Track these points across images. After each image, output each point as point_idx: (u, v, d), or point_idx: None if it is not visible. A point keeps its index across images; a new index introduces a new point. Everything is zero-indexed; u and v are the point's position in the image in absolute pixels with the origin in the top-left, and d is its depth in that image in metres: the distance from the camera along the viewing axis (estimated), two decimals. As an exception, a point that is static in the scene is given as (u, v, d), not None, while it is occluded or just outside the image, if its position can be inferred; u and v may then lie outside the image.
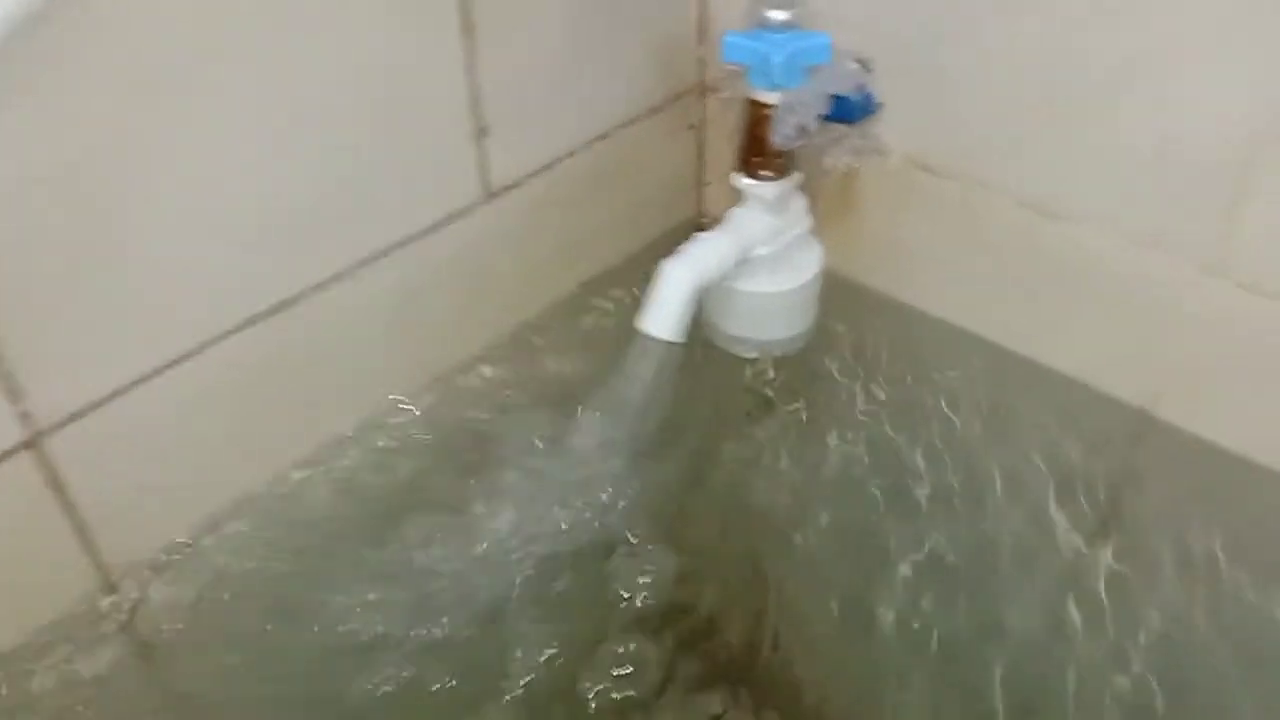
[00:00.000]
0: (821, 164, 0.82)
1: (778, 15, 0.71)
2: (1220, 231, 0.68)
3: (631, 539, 0.74)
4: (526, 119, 0.76)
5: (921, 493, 0.92)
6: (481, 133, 0.74)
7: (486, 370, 0.81)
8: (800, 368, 0.89)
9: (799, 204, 0.82)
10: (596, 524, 0.74)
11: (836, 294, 0.90)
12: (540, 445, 0.77)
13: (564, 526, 0.73)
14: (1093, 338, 0.77)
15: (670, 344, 0.76)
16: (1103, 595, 0.83)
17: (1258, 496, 0.74)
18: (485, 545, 0.72)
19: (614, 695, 0.67)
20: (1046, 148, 0.73)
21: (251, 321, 0.66)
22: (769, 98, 0.74)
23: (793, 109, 0.73)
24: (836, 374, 0.91)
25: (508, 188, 0.78)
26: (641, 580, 0.71)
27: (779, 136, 0.73)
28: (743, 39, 0.72)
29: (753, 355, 0.86)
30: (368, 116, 0.66)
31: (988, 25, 0.71)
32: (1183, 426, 0.76)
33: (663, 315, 0.75)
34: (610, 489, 0.76)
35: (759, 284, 0.81)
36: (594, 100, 0.81)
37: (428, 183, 0.72)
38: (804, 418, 0.86)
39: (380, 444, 0.76)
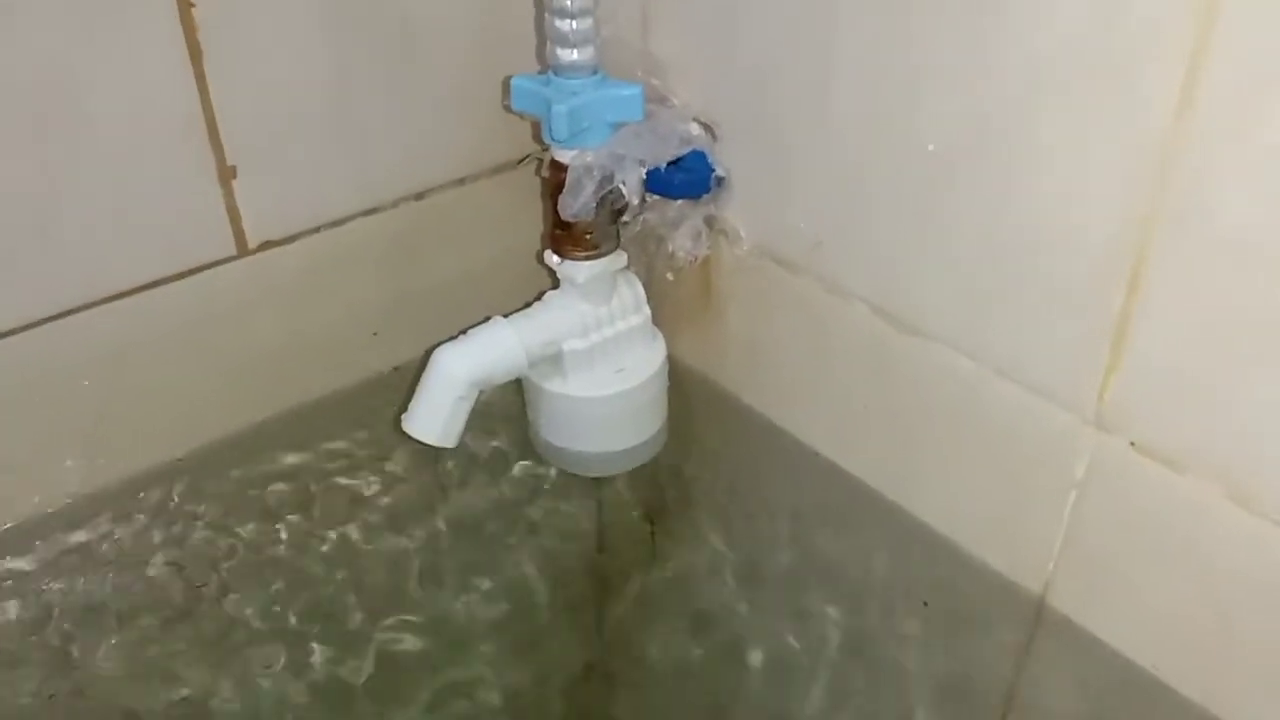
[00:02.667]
0: (667, 246, 0.67)
1: (566, 55, 0.58)
2: (1104, 371, 0.50)
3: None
4: (293, 165, 0.64)
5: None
6: (229, 174, 0.62)
7: (218, 472, 0.68)
8: (624, 493, 0.74)
9: (629, 291, 0.67)
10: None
11: (697, 402, 0.74)
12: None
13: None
14: (967, 494, 0.60)
15: (437, 449, 0.62)
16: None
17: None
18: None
19: None
20: (895, 246, 0.57)
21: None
22: (563, 157, 0.60)
23: (589, 173, 0.59)
24: (671, 507, 0.75)
25: (273, 243, 0.66)
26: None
27: (566, 207, 0.59)
28: (530, 83, 0.59)
29: (574, 470, 0.71)
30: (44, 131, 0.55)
31: (832, 90, 0.56)
32: (1080, 623, 0.57)
33: (425, 414, 0.61)
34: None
35: (570, 385, 0.66)
36: (403, 152, 0.69)
37: (155, 227, 0.61)
38: (610, 559, 0.71)
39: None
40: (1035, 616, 0.59)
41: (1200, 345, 0.46)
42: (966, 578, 0.61)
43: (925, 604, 0.64)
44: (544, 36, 0.58)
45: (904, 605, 0.67)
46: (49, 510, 0.63)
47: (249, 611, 0.72)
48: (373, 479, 0.76)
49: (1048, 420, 0.53)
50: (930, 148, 0.53)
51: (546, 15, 0.57)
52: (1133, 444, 0.51)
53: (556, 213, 0.62)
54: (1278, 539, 0.47)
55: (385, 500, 0.78)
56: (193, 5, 0.57)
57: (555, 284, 0.67)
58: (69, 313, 0.60)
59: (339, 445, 0.74)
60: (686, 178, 0.62)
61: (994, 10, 0.47)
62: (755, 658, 0.78)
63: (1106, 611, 0.56)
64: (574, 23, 0.56)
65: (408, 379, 0.71)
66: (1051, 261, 0.50)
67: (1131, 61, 0.44)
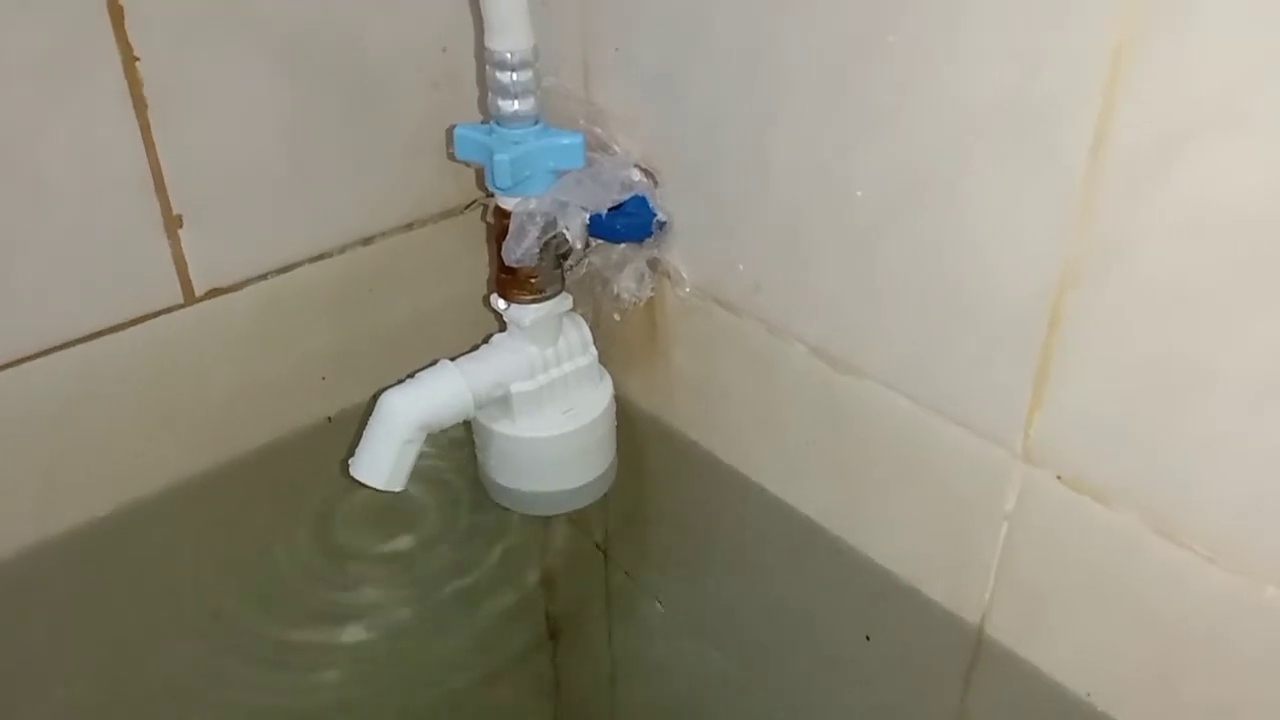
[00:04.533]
0: (612, 289, 0.69)
1: (508, 106, 0.59)
2: (1030, 408, 0.52)
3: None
4: (241, 213, 0.65)
5: None
6: (175, 223, 0.62)
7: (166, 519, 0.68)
8: (574, 531, 0.75)
9: (575, 333, 0.68)
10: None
11: (645, 440, 0.76)
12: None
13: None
14: (907, 527, 0.61)
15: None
16: None
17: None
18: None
19: None
20: (832, 288, 0.59)
21: None
22: (506, 204, 0.61)
23: (532, 219, 0.60)
24: (621, 545, 0.76)
25: (220, 290, 0.66)
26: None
27: (510, 253, 0.60)
28: (474, 132, 0.61)
29: (523, 510, 0.72)
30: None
31: (768, 138, 0.58)
32: (1017, 651, 0.59)
33: (372, 459, 0.62)
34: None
35: (519, 426, 0.67)
36: (350, 199, 0.70)
37: (101, 276, 0.61)
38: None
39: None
40: (975, 647, 0.60)
41: (1121, 381, 0.48)
42: (908, 610, 0.63)
43: (868, 638, 0.65)
44: (486, 87, 0.60)
45: (848, 638, 0.68)
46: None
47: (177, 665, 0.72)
48: (322, 526, 0.77)
49: (980, 455, 0.55)
50: (859, 194, 0.54)
51: (488, 67, 0.58)
52: (1059, 477, 0.52)
53: (501, 258, 0.63)
54: (1200, 569, 0.48)
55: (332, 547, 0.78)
56: (137, 59, 0.58)
57: (502, 327, 0.68)
58: (14, 363, 0.60)
59: (286, 490, 0.74)
60: (629, 222, 0.64)
61: (922, 65, 0.49)
62: (701, 691, 0.79)
63: (1043, 641, 0.57)
64: (514, 75, 0.58)
65: (354, 423, 0.71)
66: (979, 303, 0.52)
67: (1049, 113, 0.46)
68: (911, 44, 0.49)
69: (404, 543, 0.81)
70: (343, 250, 0.71)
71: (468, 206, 0.74)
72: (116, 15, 0.56)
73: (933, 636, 0.62)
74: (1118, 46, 0.43)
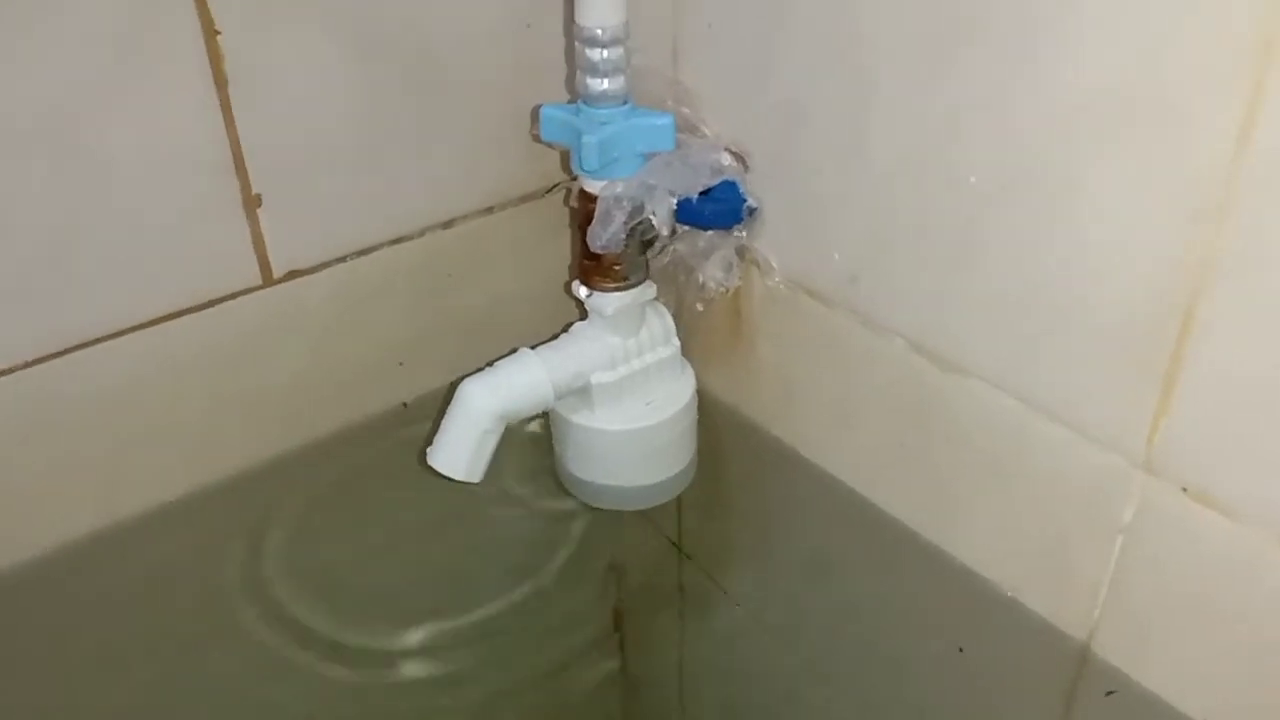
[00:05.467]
0: (697, 277, 0.66)
1: (597, 85, 0.56)
2: (1152, 413, 0.48)
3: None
4: (320, 193, 0.63)
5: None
6: (254, 202, 0.61)
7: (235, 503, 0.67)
8: (651, 528, 0.73)
9: (658, 323, 0.66)
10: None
11: (726, 435, 0.73)
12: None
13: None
14: (1008, 535, 0.58)
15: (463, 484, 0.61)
16: None
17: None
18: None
19: None
20: (935, 281, 0.55)
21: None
22: (592, 187, 0.59)
23: (619, 204, 0.58)
24: (698, 543, 0.73)
25: (299, 272, 0.65)
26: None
27: (596, 238, 0.58)
28: (560, 112, 0.58)
29: (600, 504, 0.70)
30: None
31: (868, 122, 0.55)
32: (1127, 671, 0.55)
33: (450, 449, 0.60)
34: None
35: (598, 418, 0.65)
36: (430, 181, 0.68)
37: (178, 257, 0.60)
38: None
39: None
40: (1079, 665, 0.57)
41: (1256, 391, 0.44)
42: (1006, 622, 0.59)
43: (961, 649, 0.61)
44: (574, 66, 0.57)
45: (939, 648, 0.64)
46: (64, 543, 0.62)
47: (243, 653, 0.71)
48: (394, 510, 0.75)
49: (1094, 462, 0.51)
50: (972, 180, 0.51)
51: (577, 45, 0.56)
52: (1185, 490, 0.49)
53: (585, 243, 0.60)
54: (1339, 592, 0.45)
55: (405, 529, 0.76)
56: (218, 33, 0.56)
57: (583, 315, 0.66)
58: (90, 343, 0.59)
59: (359, 476, 0.73)
60: (717, 208, 0.61)
61: (1037, 44, 0.46)
62: (776, 696, 0.76)
63: (1157, 662, 0.53)
64: (605, 52, 0.55)
65: (430, 409, 0.70)
66: (1098, 300, 0.48)
67: (1184, 101, 0.42)
68: (1020, 23, 0.46)
69: (475, 533, 0.79)
70: (422, 233, 0.69)
71: (549, 190, 0.72)
72: (199, -13, 0.55)
73: (1033, 651, 0.58)
74: (1267, 37, 0.39)
